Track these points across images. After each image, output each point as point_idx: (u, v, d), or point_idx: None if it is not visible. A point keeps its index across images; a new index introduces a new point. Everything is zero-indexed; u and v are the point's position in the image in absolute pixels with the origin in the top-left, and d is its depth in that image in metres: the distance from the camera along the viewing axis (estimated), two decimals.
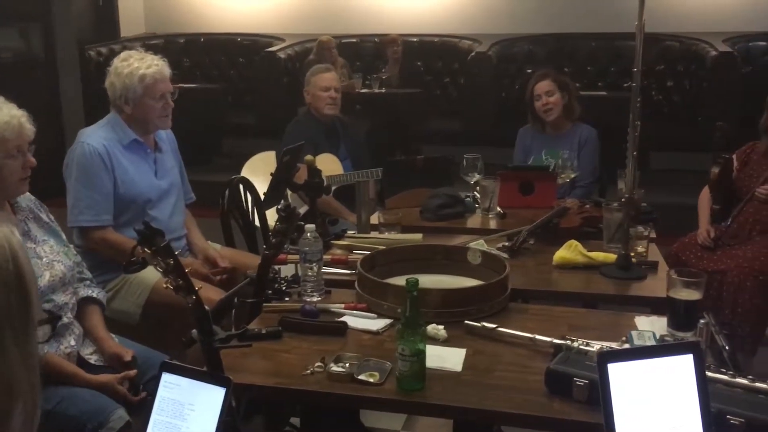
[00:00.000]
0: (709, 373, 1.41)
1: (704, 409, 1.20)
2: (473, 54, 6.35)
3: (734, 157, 3.21)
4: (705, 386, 1.21)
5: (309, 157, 2.54)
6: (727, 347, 1.56)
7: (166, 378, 1.21)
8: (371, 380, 1.56)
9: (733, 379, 1.44)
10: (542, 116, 3.45)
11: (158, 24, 7.62)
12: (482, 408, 1.49)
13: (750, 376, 1.43)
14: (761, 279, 2.85)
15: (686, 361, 1.22)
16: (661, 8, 5.88)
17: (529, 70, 6.60)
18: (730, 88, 5.68)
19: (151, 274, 2.21)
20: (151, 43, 6.95)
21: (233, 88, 7.03)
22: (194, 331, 1.46)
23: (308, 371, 1.59)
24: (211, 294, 2.20)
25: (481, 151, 3.12)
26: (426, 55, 6.83)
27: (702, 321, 1.52)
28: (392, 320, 1.85)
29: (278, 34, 7.10)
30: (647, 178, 4.49)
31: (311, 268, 1.98)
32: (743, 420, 1.32)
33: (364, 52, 6.96)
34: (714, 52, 5.87)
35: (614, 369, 1.20)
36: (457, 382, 1.57)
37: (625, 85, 6.39)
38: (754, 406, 1.36)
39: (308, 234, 1.97)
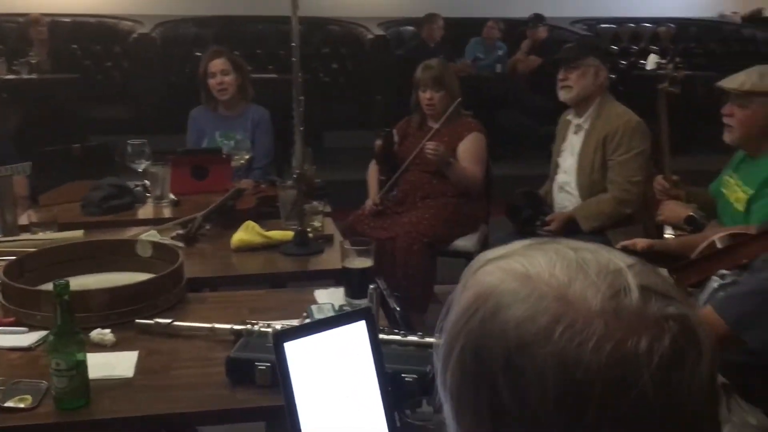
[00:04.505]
0: (383, 336, 1.44)
1: (380, 371, 1.22)
2: (135, 36, 5.99)
3: (395, 131, 3.44)
4: (379, 349, 1.22)
5: None
6: (398, 309, 1.62)
7: None
8: (22, 405, 1.32)
9: (405, 338, 1.49)
10: (216, 95, 3.33)
11: None
12: (158, 413, 1.34)
13: (419, 333, 1.50)
14: (426, 241, 3.09)
15: (360, 327, 1.22)
16: None
17: (198, 53, 6.41)
18: (385, 69, 6.14)
19: None
20: None
21: None
22: None
23: None
24: None
25: (153, 138, 2.92)
26: (82, 37, 6.27)
27: (372, 287, 1.56)
28: (48, 331, 1.60)
29: None
30: (322, 156, 4.65)
31: None
32: (416, 376, 1.37)
33: (8, 33, 6.14)
34: (371, 36, 6.29)
35: (291, 347, 1.14)
36: (129, 390, 1.40)
37: None
38: (425, 361, 1.42)
39: None
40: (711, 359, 0.52)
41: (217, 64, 3.32)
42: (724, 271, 1.74)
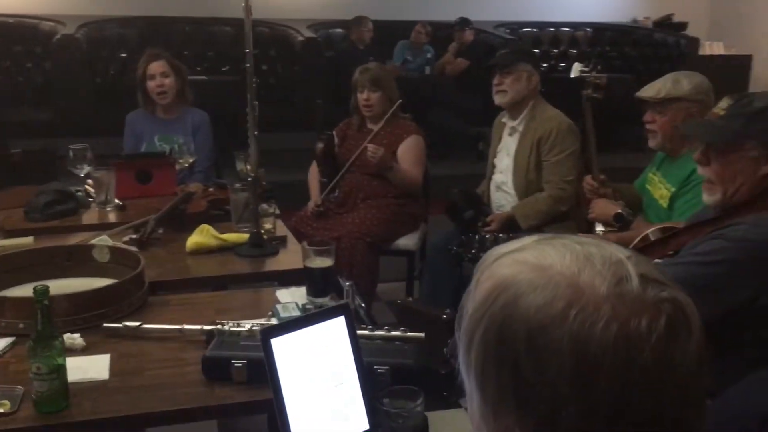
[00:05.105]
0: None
1: (359, 363, 1.30)
2: (58, 37, 5.81)
3: (335, 133, 3.51)
4: (357, 342, 1.30)
5: None
6: (363, 305, 1.70)
7: None
8: (1, 410, 1.33)
9: (373, 333, 1.57)
10: (155, 98, 3.31)
11: None
12: (139, 413, 1.38)
13: (386, 327, 1.58)
14: (369, 241, 3.17)
15: (339, 322, 1.30)
16: None
17: (123, 54, 6.30)
18: (317, 71, 6.18)
19: None
20: None
21: None
22: None
23: None
24: None
25: (81, 142, 2.88)
26: (1, 38, 6.03)
27: (347, 284, 1.63)
28: (15, 338, 1.60)
29: None
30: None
31: None
32: (388, 367, 1.45)
33: None
34: (301, 38, 6.32)
35: (277, 343, 1.21)
36: (107, 391, 1.43)
37: (224, 69, 6.52)
38: (394, 353, 1.51)
39: None
40: (699, 335, 0.62)
41: (157, 66, 3.30)
42: (656, 260, 1.89)
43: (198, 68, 6.32)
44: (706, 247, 1.67)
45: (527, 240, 0.68)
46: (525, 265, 0.64)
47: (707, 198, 1.80)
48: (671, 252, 1.86)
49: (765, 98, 1.73)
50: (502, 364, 0.62)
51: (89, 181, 2.84)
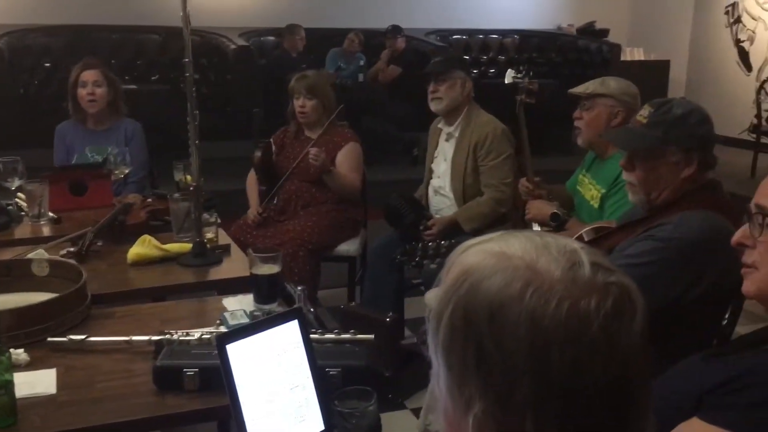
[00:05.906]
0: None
1: (313, 365, 1.32)
2: None
3: (272, 140, 3.52)
4: (311, 345, 1.33)
5: None
6: (312, 309, 1.72)
7: None
8: None
9: (323, 336, 1.60)
10: (85, 106, 3.25)
11: None
12: (90, 425, 1.37)
13: (336, 330, 1.61)
14: (310, 248, 3.20)
15: (293, 326, 1.32)
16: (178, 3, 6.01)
17: (47, 64, 6.13)
18: (250, 79, 6.16)
19: None
20: None
21: None
22: None
23: None
24: None
25: (5, 154, 2.81)
26: None
27: (299, 288, 1.65)
28: None
29: None
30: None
31: None
32: (339, 369, 1.48)
33: None
34: (233, 46, 6.28)
35: (233, 348, 1.22)
36: (56, 406, 1.41)
37: (153, 78, 6.41)
38: (345, 355, 1.54)
39: None
40: (642, 317, 0.69)
41: (90, 74, 3.25)
42: None
43: (127, 77, 6.20)
44: (637, 249, 1.77)
45: (493, 234, 0.74)
46: (489, 253, 0.70)
47: (632, 197, 1.91)
48: (604, 252, 1.96)
49: (683, 105, 1.84)
50: (467, 342, 0.68)
51: (20, 194, 2.77)
